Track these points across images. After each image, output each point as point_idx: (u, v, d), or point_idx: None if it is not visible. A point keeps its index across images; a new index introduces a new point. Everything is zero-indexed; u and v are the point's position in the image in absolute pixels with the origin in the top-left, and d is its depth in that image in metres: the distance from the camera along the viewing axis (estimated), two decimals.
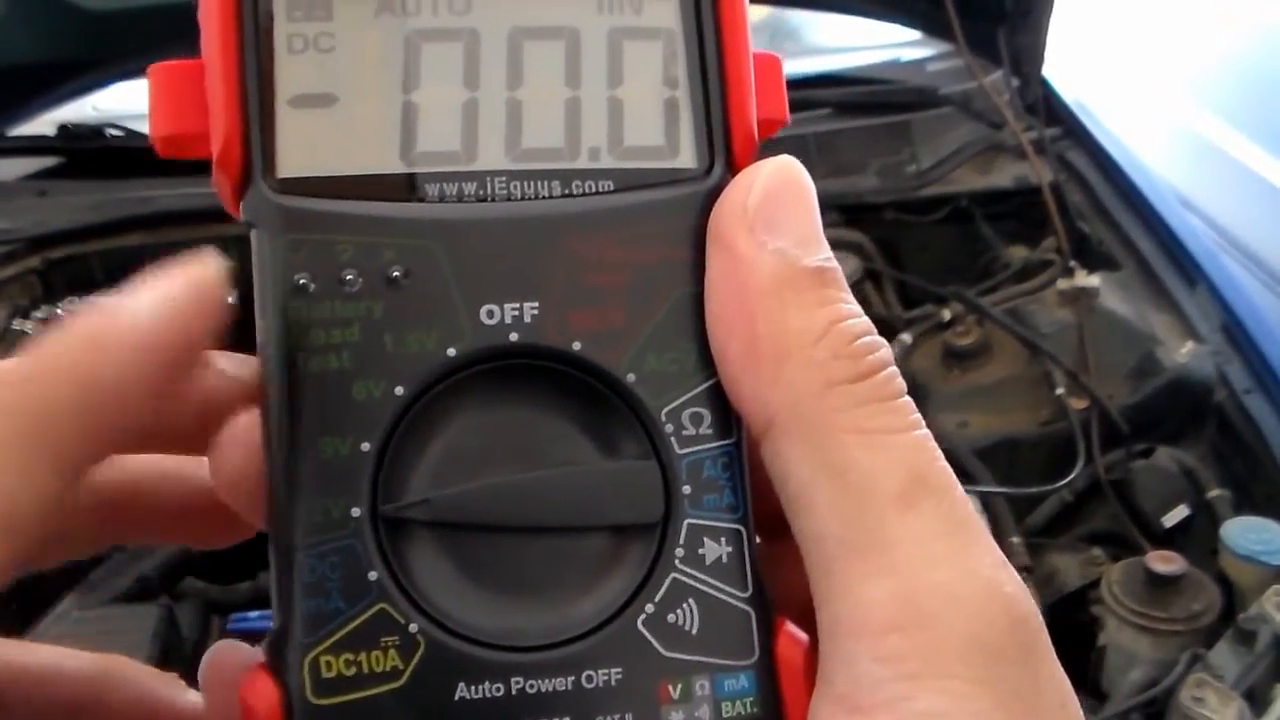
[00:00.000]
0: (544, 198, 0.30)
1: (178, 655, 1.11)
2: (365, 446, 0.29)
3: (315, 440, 0.28)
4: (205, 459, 0.29)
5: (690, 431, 0.30)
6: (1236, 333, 1.44)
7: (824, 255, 0.29)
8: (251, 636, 1.30)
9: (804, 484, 0.27)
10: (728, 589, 0.30)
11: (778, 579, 0.30)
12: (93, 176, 1.67)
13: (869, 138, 1.81)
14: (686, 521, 0.30)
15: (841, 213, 1.74)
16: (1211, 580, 1.18)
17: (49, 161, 1.75)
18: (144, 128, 0.30)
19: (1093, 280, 1.54)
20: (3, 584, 0.24)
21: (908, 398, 0.28)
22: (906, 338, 1.60)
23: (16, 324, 1.42)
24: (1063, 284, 1.56)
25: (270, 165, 0.29)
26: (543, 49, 0.31)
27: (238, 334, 0.30)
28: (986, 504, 1.32)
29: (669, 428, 0.30)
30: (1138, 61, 3.72)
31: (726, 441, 0.30)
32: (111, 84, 1.74)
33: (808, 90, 1.83)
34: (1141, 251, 1.61)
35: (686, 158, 0.31)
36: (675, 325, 0.30)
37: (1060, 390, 1.47)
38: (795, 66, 2.05)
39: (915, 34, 1.99)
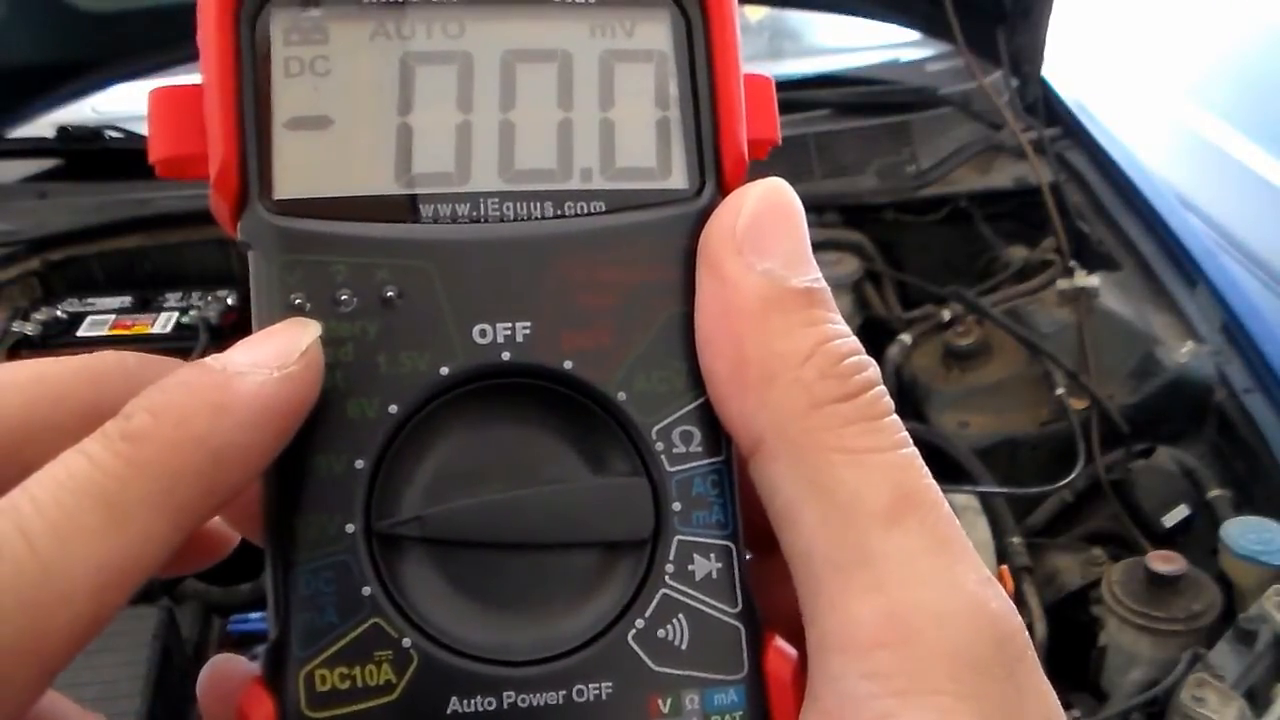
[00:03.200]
0: (536, 219, 0.31)
1: (178, 657, 1.11)
2: (359, 464, 0.29)
3: (310, 457, 0.29)
4: None
5: (680, 449, 0.30)
6: (1236, 333, 1.44)
7: (812, 276, 0.29)
8: (252, 638, 1.30)
9: (792, 502, 0.28)
10: (717, 604, 0.30)
11: (767, 595, 0.31)
12: (92, 178, 1.67)
13: (869, 138, 1.81)
14: (676, 538, 0.30)
15: (841, 213, 1.75)
16: (1211, 580, 1.19)
17: (49, 163, 1.75)
18: (144, 129, 0.30)
19: (1093, 280, 1.54)
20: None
21: (895, 416, 0.29)
22: (906, 338, 1.61)
23: (16, 325, 1.42)
24: (1063, 284, 1.56)
25: (267, 187, 0.30)
26: (535, 72, 0.31)
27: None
28: (986, 504, 1.32)
29: (659, 446, 0.30)
30: (1138, 61, 3.71)
31: (716, 459, 0.31)
32: (111, 86, 1.74)
33: (808, 91, 1.83)
34: (1141, 251, 1.61)
35: (678, 179, 0.32)
36: (665, 345, 0.31)
37: (1060, 390, 1.47)
38: (795, 66, 2.05)
39: (915, 34, 1.99)
